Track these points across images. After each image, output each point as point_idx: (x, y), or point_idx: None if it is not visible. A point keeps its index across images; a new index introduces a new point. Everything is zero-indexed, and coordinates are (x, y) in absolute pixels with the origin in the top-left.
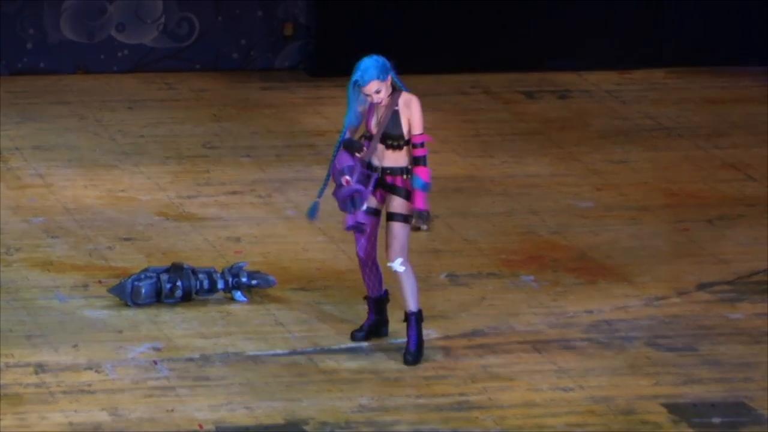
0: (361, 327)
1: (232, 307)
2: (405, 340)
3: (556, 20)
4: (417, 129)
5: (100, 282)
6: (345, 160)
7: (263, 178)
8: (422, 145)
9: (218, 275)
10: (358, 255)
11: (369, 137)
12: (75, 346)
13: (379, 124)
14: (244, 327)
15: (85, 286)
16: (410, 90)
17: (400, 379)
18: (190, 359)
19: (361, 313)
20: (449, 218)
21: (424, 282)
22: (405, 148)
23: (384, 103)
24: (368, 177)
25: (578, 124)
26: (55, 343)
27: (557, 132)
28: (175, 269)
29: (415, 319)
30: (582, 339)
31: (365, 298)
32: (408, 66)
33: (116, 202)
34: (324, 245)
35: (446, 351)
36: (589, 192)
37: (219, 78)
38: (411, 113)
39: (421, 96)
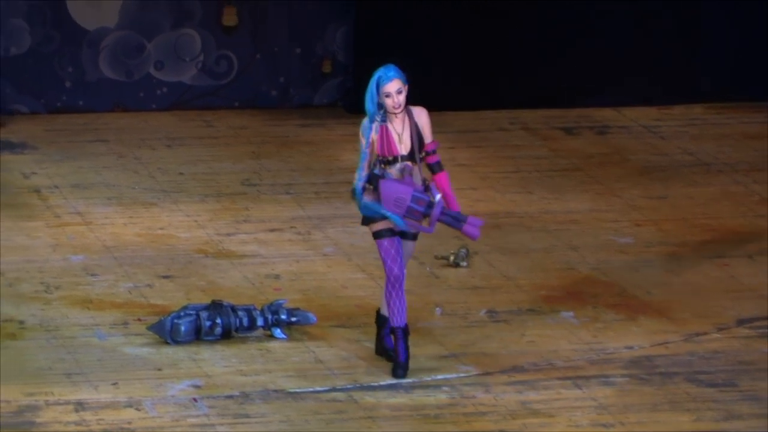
0: (399, 363)
1: (272, 345)
2: (445, 376)
3: (594, 57)
4: (429, 137)
5: (139, 320)
6: (400, 188)
7: (302, 215)
8: (435, 151)
9: (258, 312)
10: (394, 274)
11: (392, 161)
12: (115, 383)
13: (403, 142)
14: (283, 364)
15: (125, 323)
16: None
17: (440, 416)
18: (230, 396)
19: None
20: (488, 254)
21: (463, 319)
22: None
23: (400, 117)
24: (428, 191)
25: (617, 159)
26: (95, 380)
27: (596, 168)
28: (215, 307)
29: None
30: (622, 375)
31: (394, 330)
32: (447, 103)
33: (155, 240)
34: (363, 282)
35: (486, 387)
36: (629, 228)
37: (258, 115)
38: (424, 123)
39: (460, 132)
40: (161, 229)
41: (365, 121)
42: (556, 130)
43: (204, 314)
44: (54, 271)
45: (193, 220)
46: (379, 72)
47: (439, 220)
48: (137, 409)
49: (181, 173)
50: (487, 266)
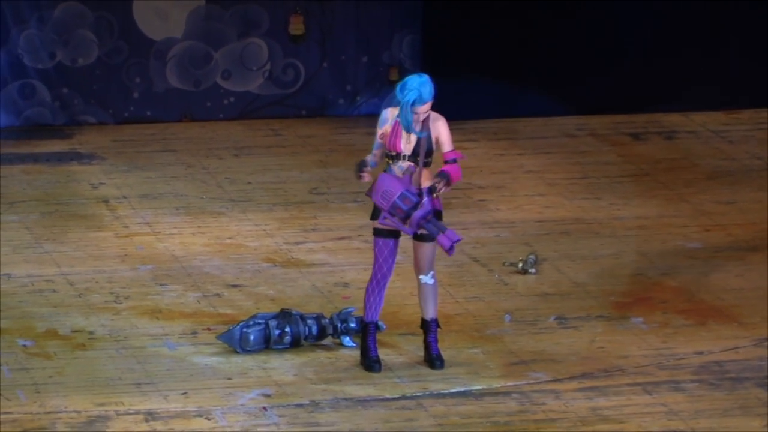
0: (378, 358)
1: (341, 353)
2: (515, 383)
3: (662, 62)
4: (448, 146)
5: (208, 329)
6: (393, 183)
7: (370, 223)
8: (455, 160)
9: (327, 321)
10: (382, 273)
11: (394, 156)
12: (185, 393)
13: (410, 141)
14: (353, 372)
15: (194, 333)
16: None
17: (511, 423)
18: (300, 405)
19: (471, 356)
20: (557, 261)
21: (532, 326)
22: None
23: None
24: (420, 195)
25: (685, 165)
26: (164, 390)
27: (664, 173)
28: (284, 315)
29: (436, 326)
30: (692, 380)
31: (367, 325)
32: (515, 109)
33: (224, 249)
34: None
35: (556, 394)
36: (698, 233)
37: (325, 124)
38: (440, 132)
39: (528, 139)
40: (229, 238)
41: (386, 111)
42: (624, 136)
43: (273, 323)
44: (123, 281)
45: (261, 230)
46: (413, 93)
47: (419, 225)
48: (207, 419)
49: (249, 182)
50: (556, 273)
